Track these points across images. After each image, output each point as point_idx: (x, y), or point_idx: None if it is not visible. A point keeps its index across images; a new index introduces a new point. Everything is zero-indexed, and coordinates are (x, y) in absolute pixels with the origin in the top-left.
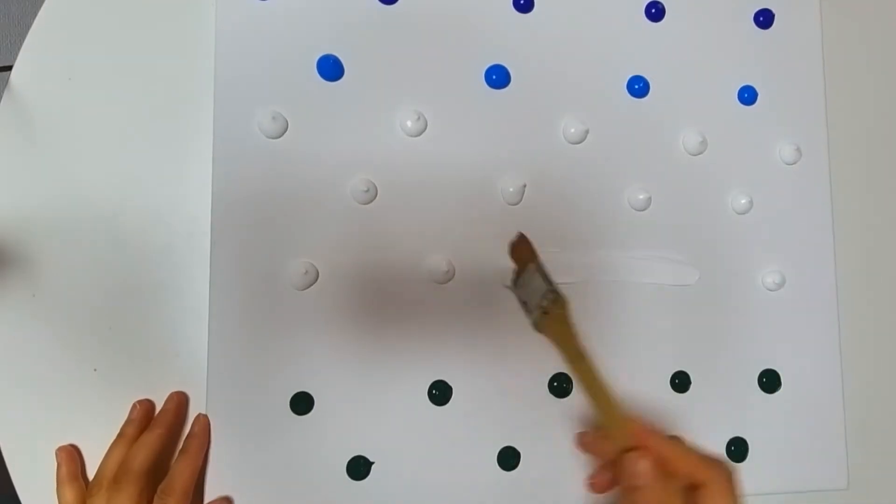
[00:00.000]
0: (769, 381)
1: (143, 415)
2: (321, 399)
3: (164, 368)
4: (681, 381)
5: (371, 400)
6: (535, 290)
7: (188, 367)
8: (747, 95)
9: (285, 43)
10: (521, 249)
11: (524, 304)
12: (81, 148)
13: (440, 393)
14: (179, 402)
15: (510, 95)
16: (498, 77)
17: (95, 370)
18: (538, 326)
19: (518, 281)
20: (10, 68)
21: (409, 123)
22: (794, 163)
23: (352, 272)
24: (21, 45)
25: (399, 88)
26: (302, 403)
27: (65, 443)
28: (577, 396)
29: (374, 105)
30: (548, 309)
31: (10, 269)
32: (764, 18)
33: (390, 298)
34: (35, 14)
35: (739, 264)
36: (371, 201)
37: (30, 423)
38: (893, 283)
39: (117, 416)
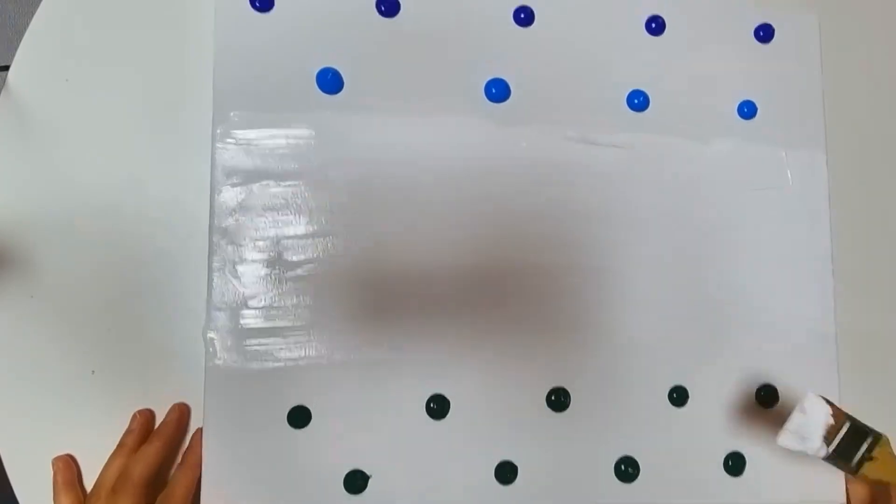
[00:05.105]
0: (767, 395)
1: (143, 424)
2: (319, 413)
3: (163, 369)
4: (679, 396)
5: (368, 413)
6: (855, 446)
7: (186, 368)
8: (747, 110)
9: (284, 55)
10: (835, 414)
11: (842, 462)
12: (79, 149)
13: (438, 407)
14: (181, 413)
15: (510, 109)
16: (498, 91)
17: (94, 372)
18: (865, 472)
19: (837, 446)
20: (6, 69)
21: (409, 137)
22: (793, 178)
23: (349, 287)
24: (18, 45)
25: (399, 101)
26: (299, 417)
27: (63, 444)
28: (575, 410)
29: (373, 118)
30: (873, 456)
31: (8, 270)
32: (764, 33)
33: (387, 312)
34: (32, 15)
35: (738, 279)
36: (372, 214)
37: (28, 424)
38: (891, 298)
39: (115, 418)
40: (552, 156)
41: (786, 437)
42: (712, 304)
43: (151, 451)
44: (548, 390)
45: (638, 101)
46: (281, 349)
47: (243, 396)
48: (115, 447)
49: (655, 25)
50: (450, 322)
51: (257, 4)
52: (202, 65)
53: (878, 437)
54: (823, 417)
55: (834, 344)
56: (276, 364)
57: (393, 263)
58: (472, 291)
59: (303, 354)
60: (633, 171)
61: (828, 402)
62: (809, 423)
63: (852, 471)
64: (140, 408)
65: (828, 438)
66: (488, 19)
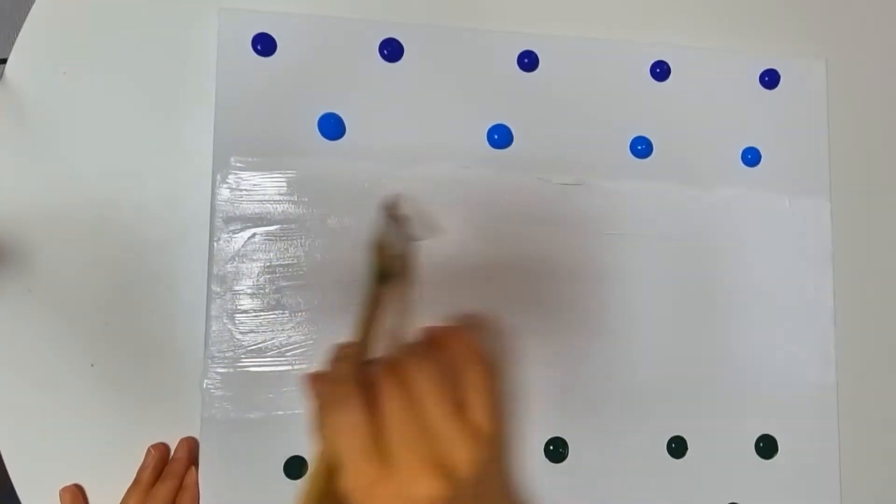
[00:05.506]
0: (766, 446)
1: (159, 460)
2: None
3: (161, 362)
4: (677, 446)
5: None
6: None
7: (184, 360)
8: (751, 157)
9: (286, 100)
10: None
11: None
12: (77, 142)
13: None
14: (189, 449)
15: (512, 155)
16: (500, 137)
17: (92, 365)
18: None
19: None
20: (4, 62)
21: (410, 183)
22: (797, 225)
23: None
24: (15, 38)
25: (400, 147)
26: (295, 467)
27: (62, 437)
28: (573, 461)
29: (374, 164)
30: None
31: (5, 264)
32: (770, 79)
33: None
34: (29, 8)
35: (739, 327)
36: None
37: (27, 418)
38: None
39: (114, 411)
40: (553, 204)
41: None
42: (712, 352)
43: (165, 490)
44: (546, 440)
45: (641, 147)
46: (277, 398)
47: (239, 446)
48: (131, 483)
49: (660, 71)
50: None
51: (259, 48)
52: (201, 57)
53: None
54: None
55: (834, 393)
56: (273, 414)
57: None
58: None
59: (299, 404)
60: (634, 218)
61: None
62: None
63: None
64: (140, 396)
65: None
66: (492, 64)
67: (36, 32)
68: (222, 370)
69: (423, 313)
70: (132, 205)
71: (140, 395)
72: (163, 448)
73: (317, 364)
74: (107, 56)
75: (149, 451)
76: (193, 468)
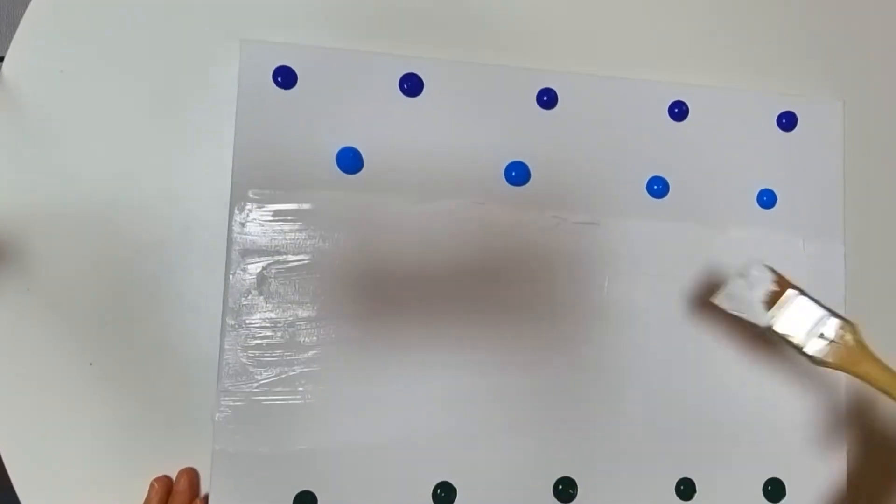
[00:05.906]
0: (774, 489)
1: (163, 492)
2: (324, 499)
3: (160, 361)
4: (686, 488)
5: (375, 500)
6: (808, 319)
7: (184, 359)
8: (766, 199)
9: (305, 133)
10: (780, 282)
11: (789, 339)
12: (75, 141)
13: (445, 494)
14: (190, 480)
15: (529, 192)
16: (518, 174)
17: (91, 364)
18: (823, 359)
19: (779, 315)
20: (1, 60)
21: (426, 218)
22: (810, 269)
23: (361, 370)
24: (12, 37)
25: (418, 182)
26: (305, 502)
27: (62, 436)
28: (581, 502)
29: (392, 198)
30: (833, 339)
31: (3, 263)
32: (787, 121)
33: (399, 397)
34: (26, 6)
35: (749, 370)
36: (386, 298)
37: (26, 418)
38: None
39: (113, 411)
40: (568, 242)
41: (722, 299)
42: (722, 394)
43: None
44: (555, 480)
45: (657, 187)
46: (289, 433)
47: (250, 481)
48: None
49: (678, 111)
50: (459, 409)
51: (280, 80)
52: (200, 56)
53: (842, 320)
54: (766, 284)
55: (843, 439)
56: (284, 448)
57: (406, 347)
58: (483, 382)
59: (311, 438)
60: (649, 258)
61: (775, 271)
62: (751, 288)
63: (801, 350)
64: (140, 395)
65: (769, 306)
66: (511, 101)
67: (33, 31)
68: (234, 403)
69: (437, 350)
70: (131, 203)
71: (140, 394)
72: (166, 481)
73: (328, 397)
74: (105, 55)
75: (152, 485)
76: (199, 502)
